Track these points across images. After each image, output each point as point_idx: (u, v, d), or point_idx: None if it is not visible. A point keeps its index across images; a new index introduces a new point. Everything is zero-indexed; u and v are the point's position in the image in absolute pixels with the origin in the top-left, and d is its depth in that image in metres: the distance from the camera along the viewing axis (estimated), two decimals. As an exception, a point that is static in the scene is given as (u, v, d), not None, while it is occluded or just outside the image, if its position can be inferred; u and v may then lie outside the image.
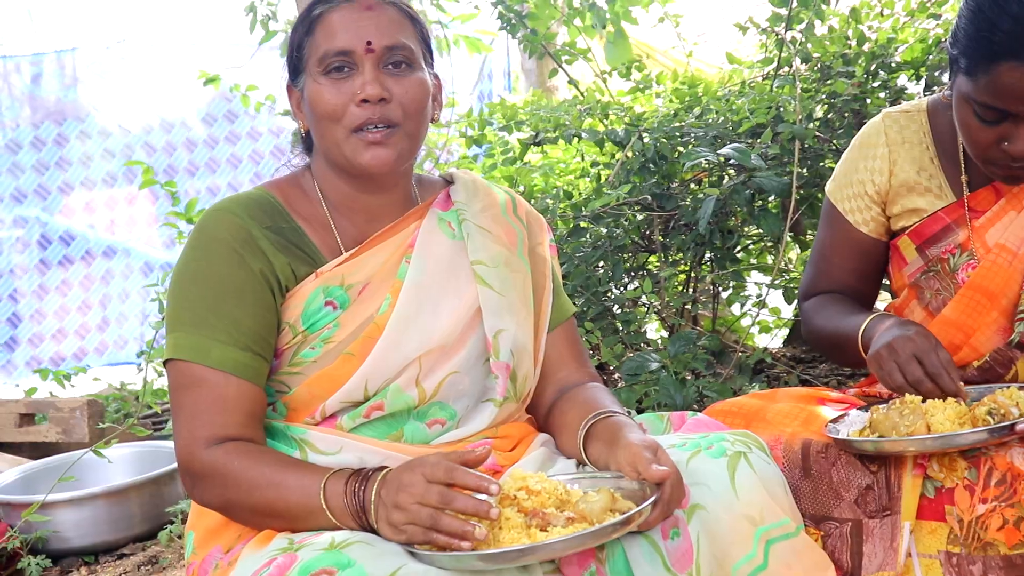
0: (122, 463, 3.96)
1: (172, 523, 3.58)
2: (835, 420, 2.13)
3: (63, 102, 7.73)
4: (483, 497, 1.65)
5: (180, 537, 3.52)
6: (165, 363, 1.94)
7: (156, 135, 7.80)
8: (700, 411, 2.33)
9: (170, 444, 3.93)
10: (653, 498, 1.69)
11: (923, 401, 2.02)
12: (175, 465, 3.57)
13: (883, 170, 2.37)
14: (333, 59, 1.94)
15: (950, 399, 2.02)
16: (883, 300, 2.68)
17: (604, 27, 4.93)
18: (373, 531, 1.72)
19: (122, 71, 7.77)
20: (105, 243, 7.79)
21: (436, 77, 2.08)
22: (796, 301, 2.98)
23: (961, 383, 2.05)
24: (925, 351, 2.06)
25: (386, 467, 1.76)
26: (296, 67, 2.03)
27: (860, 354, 2.22)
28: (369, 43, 1.93)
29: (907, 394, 2.04)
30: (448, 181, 2.19)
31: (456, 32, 5.61)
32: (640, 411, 3.33)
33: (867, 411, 2.14)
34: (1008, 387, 2.05)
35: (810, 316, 2.46)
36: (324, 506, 1.75)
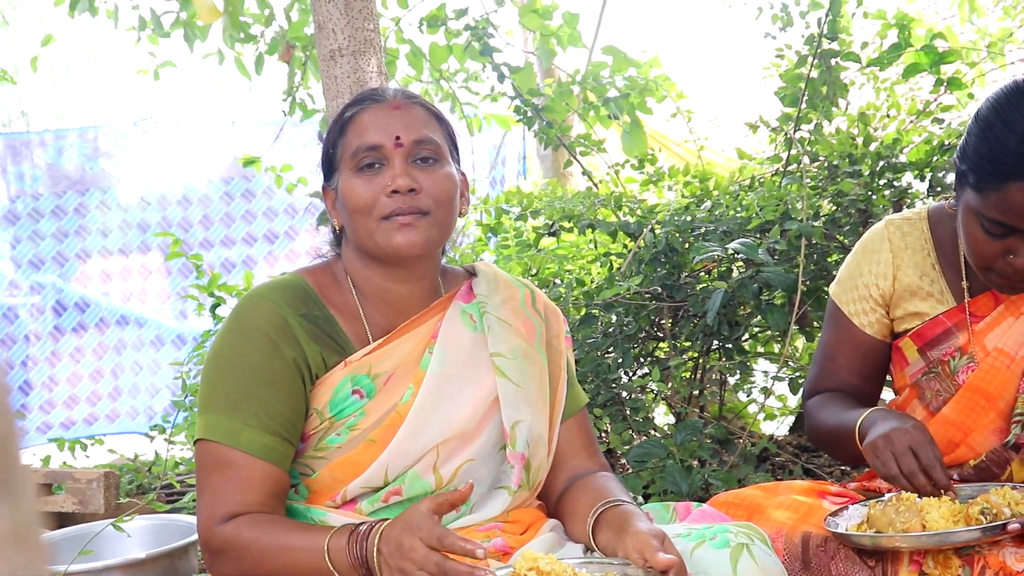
0: (138, 535, 3.99)
1: (186, 597, 3.63)
2: (835, 513, 2.18)
3: (86, 173, 7.86)
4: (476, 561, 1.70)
5: (193, 611, 3.57)
6: (195, 442, 2.01)
7: (173, 209, 7.92)
8: (705, 499, 2.38)
9: (185, 517, 4.01)
10: (658, 585, 1.75)
11: (919, 498, 2.09)
12: (191, 538, 3.65)
13: (887, 275, 2.44)
14: (364, 155, 2.03)
15: (945, 498, 2.07)
16: (886, 396, 2.75)
17: (620, 117, 5.07)
18: None
19: (145, 146, 7.92)
20: (119, 311, 7.87)
21: (463, 174, 2.18)
22: (801, 393, 3.03)
23: (951, 480, 2.11)
24: (921, 444, 2.11)
25: (384, 519, 1.83)
26: (330, 167, 2.13)
27: (857, 447, 2.25)
28: (398, 138, 2.03)
29: (904, 492, 2.11)
30: (471, 273, 2.27)
31: (485, 111, 5.77)
32: (646, 497, 3.38)
33: (866, 506, 2.18)
34: (1001, 486, 2.10)
35: (813, 413, 2.50)
36: (330, 566, 1.82)
